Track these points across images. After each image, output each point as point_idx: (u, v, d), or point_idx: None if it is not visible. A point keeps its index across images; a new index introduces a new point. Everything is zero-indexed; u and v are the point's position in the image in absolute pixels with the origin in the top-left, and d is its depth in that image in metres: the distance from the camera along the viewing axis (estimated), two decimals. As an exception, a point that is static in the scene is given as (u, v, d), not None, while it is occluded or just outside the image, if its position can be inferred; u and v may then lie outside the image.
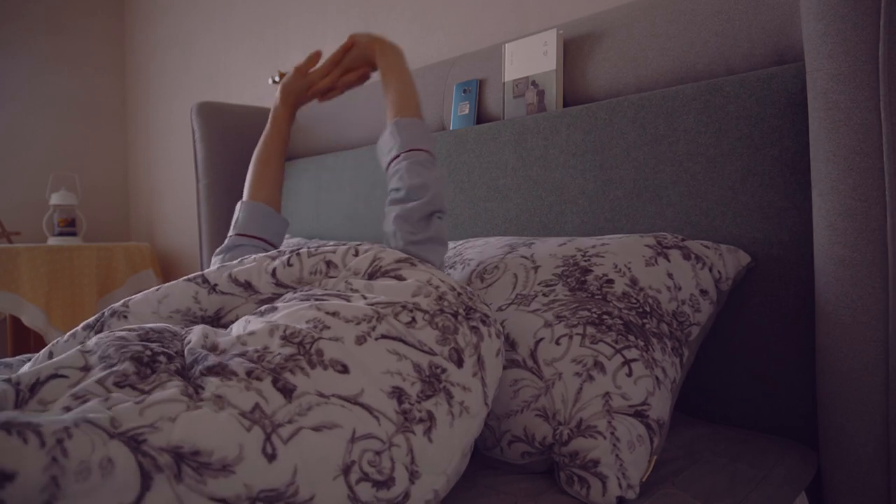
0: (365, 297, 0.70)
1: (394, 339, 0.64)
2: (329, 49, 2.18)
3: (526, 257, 0.92)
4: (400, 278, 0.73)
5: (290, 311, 0.66)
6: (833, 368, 0.78)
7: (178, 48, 3.07)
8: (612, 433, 0.69)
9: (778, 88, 0.90)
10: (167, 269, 3.16)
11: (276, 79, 2.38)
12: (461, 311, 0.70)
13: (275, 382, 0.55)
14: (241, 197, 2.05)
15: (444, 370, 0.64)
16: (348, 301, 0.68)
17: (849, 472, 0.77)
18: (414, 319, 0.66)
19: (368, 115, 1.71)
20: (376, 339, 0.63)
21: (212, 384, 0.54)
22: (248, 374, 0.55)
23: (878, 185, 0.72)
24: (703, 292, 0.85)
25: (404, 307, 0.67)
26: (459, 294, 0.73)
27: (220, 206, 2.01)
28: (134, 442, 0.46)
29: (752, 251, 0.92)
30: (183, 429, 0.49)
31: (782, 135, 0.89)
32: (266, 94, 2.50)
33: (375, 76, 1.97)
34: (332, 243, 0.79)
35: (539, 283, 0.85)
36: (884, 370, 0.74)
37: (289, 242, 1.62)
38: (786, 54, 0.95)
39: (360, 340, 0.62)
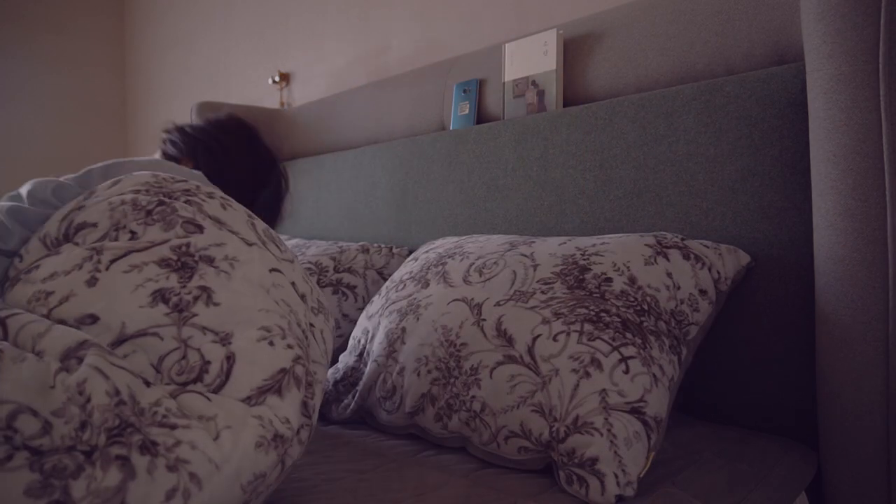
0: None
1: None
2: (329, 49, 2.18)
3: (525, 255, 0.92)
4: None
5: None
6: (833, 368, 0.78)
7: (178, 48, 3.07)
8: (609, 430, 0.69)
9: (778, 88, 0.90)
10: (167, 269, 3.16)
11: (276, 79, 2.38)
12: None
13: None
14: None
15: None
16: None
17: (849, 472, 0.77)
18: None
19: (368, 115, 1.71)
20: None
21: None
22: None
23: (878, 185, 0.72)
24: (703, 292, 0.85)
25: None
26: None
27: (220, 205, 2.01)
28: None
29: (752, 251, 0.92)
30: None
31: (782, 135, 0.89)
32: (266, 94, 2.50)
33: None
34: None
35: (538, 281, 0.85)
36: (884, 370, 0.74)
37: (288, 244, 1.62)
38: (786, 54, 0.95)
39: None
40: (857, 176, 0.73)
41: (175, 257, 0.62)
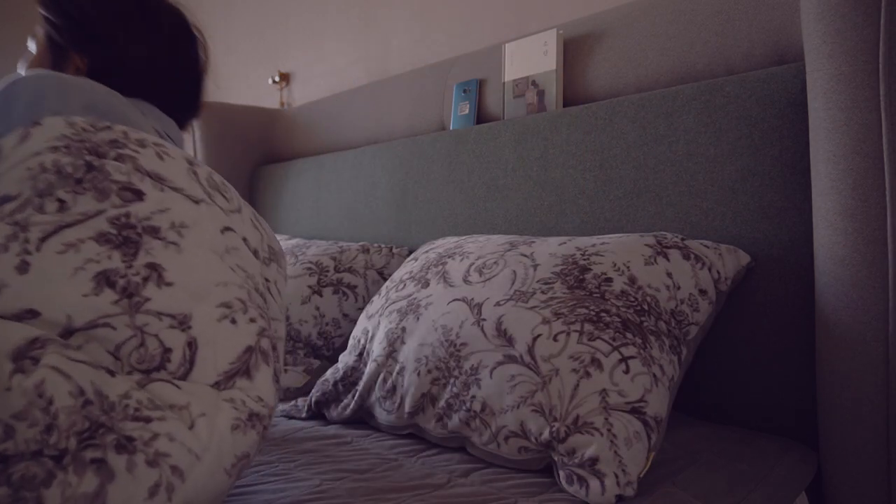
0: None
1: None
2: (329, 49, 2.18)
3: (525, 255, 0.92)
4: None
5: None
6: (833, 368, 0.78)
7: (178, 48, 3.07)
8: (609, 430, 0.69)
9: (778, 88, 0.90)
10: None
11: (276, 79, 2.38)
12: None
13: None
14: (242, 196, 2.05)
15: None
16: None
17: (849, 472, 0.77)
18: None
19: (368, 115, 1.71)
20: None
21: None
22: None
23: (878, 185, 0.72)
24: (702, 292, 0.85)
25: None
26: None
27: (220, 205, 2.01)
28: None
29: (752, 251, 0.92)
30: None
31: (782, 135, 0.89)
32: (266, 94, 2.50)
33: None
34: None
35: (538, 281, 0.85)
36: (884, 370, 0.74)
37: (288, 244, 1.62)
38: (786, 54, 0.95)
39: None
40: (857, 176, 0.73)
41: (115, 231, 0.55)
